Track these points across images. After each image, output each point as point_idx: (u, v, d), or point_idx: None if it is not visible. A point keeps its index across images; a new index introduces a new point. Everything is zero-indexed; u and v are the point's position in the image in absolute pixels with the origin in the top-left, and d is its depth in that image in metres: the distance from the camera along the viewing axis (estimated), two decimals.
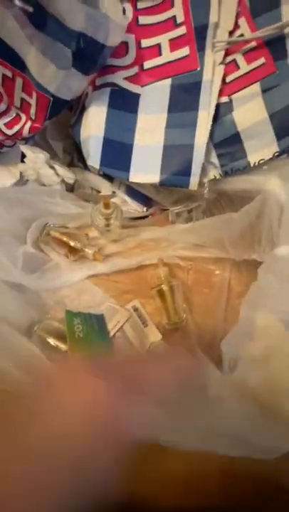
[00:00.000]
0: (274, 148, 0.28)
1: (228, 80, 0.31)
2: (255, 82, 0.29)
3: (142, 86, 0.32)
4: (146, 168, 0.32)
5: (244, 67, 0.30)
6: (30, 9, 0.23)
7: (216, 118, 0.30)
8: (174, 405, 0.18)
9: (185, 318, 0.35)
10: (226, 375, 0.30)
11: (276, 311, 0.24)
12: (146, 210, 0.39)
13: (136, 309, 0.36)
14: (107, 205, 0.30)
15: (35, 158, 0.32)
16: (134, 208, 0.39)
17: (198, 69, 0.30)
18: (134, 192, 0.37)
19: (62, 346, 0.31)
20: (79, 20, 0.24)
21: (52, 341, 0.31)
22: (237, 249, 0.33)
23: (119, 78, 0.32)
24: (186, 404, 0.21)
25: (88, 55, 0.27)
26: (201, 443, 0.24)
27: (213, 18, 0.30)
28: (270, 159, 0.29)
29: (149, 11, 0.32)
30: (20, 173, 0.36)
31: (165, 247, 0.38)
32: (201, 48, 0.30)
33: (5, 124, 0.32)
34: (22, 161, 0.35)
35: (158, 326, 0.35)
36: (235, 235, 0.31)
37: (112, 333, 0.34)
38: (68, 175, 0.35)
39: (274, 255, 0.24)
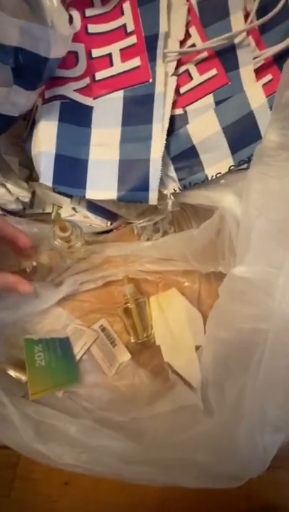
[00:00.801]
0: (229, 161, 0.28)
1: (181, 91, 0.30)
2: (209, 93, 0.29)
3: (94, 98, 0.31)
4: (102, 184, 0.30)
5: (197, 78, 0.29)
6: None
7: (171, 131, 0.29)
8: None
9: (152, 333, 0.34)
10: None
11: (232, 330, 0.24)
12: (111, 223, 0.38)
13: (103, 329, 0.35)
14: (63, 229, 0.28)
15: None
16: (97, 222, 0.37)
17: (151, 81, 0.29)
18: (96, 207, 0.36)
19: (23, 378, 0.29)
20: (13, 35, 0.22)
21: (12, 373, 0.30)
22: (201, 263, 0.33)
23: (69, 90, 0.30)
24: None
25: (30, 70, 0.25)
26: (167, 476, 0.23)
27: (163, 27, 0.29)
28: (227, 173, 0.28)
29: (98, 18, 0.31)
30: None
31: (132, 262, 0.37)
32: (153, 58, 0.29)
33: None
34: None
35: (127, 344, 0.34)
36: (198, 250, 0.31)
37: (78, 356, 0.33)
38: (22, 193, 0.33)
39: (232, 275, 0.23)
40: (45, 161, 0.29)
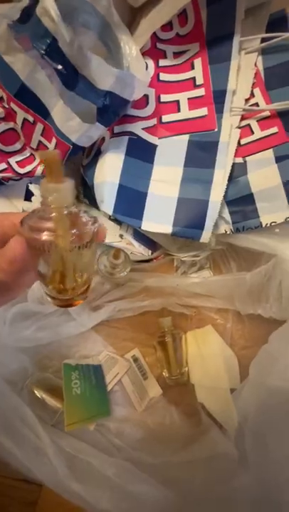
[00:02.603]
0: (287, 213, 0.29)
1: (242, 142, 0.32)
2: (269, 148, 0.31)
3: (160, 138, 0.33)
4: (159, 217, 0.32)
5: (258, 132, 0.32)
6: (62, 69, 0.23)
7: (230, 177, 0.31)
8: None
9: (186, 371, 0.33)
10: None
11: (283, 379, 0.24)
12: (152, 253, 0.39)
13: (136, 359, 0.34)
14: (117, 256, 0.29)
15: None
16: (140, 251, 0.38)
17: (216, 130, 0.31)
18: (141, 236, 0.37)
19: (59, 405, 0.28)
20: (109, 81, 0.24)
21: (47, 399, 0.29)
22: (243, 304, 0.34)
23: (137, 128, 0.32)
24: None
25: (112, 110, 0.27)
26: None
27: (231, 85, 0.31)
28: (283, 223, 0.30)
29: (169, 69, 0.34)
30: (23, 210, 0.35)
31: (170, 294, 0.37)
32: (219, 110, 0.31)
33: (17, 162, 0.31)
34: (27, 199, 0.34)
35: (158, 378, 0.34)
36: (244, 291, 0.31)
37: (110, 387, 0.32)
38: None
39: (287, 324, 0.24)
40: (108, 190, 0.31)
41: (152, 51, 0.34)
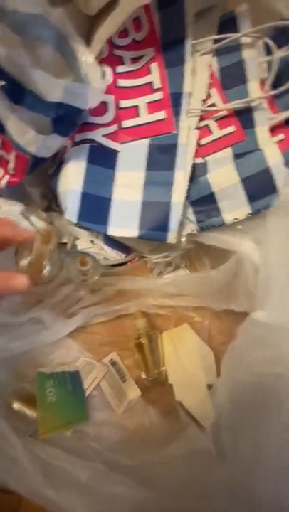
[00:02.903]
0: (247, 209, 0.30)
1: (202, 142, 0.33)
2: (227, 147, 0.32)
3: (121, 143, 0.33)
4: (124, 222, 0.32)
5: (217, 132, 0.33)
6: (5, 85, 0.23)
7: (191, 177, 0.32)
8: None
9: (164, 370, 0.34)
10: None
11: (251, 373, 0.25)
12: (125, 257, 0.39)
13: (114, 363, 0.35)
14: (84, 263, 0.30)
15: (10, 211, 0.31)
16: (112, 255, 0.39)
17: (175, 132, 0.32)
18: (113, 240, 0.37)
19: (33, 414, 0.29)
20: (57, 93, 0.25)
21: (21, 408, 0.29)
22: (215, 301, 0.34)
23: (98, 135, 0.33)
24: None
25: (68, 120, 0.28)
26: None
27: (187, 87, 0.32)
28: (244, 220, 0.30)
29: (127, 75, 0.34)
30: None
31: (145, 296, 0.38)
32: (177, 113, 0.32)
33: None
34: None
35: (137, 381, 0.34)
36: (214, 289, 0.32)
37: (88, 392, 0.33)
38: (45, 226, 0.34)
39: (252, 319, 0.24)
40: (71, 198, 0.31)
41: (110, 58, 0.34)
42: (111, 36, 0.34)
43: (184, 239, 0.34)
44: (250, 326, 0.25)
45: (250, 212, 0.30)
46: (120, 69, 0.34)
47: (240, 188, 0.30)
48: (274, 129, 0.32)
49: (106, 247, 0.38)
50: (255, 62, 0.32)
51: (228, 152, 0.32)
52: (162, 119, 0.32)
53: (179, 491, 0.26)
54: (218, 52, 0.33)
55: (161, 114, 0.33)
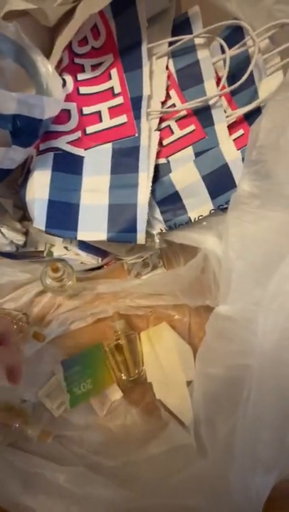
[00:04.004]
0: (210, 206, 0.31)
1: (164, 143, 0.34)
2: (188, 145, 0.33)
3: (85, 149, 0.34)
4: (93, 226, 0.33)
5: (177, 132, 0.33)
6: None
7: (156, 178, 0.32)
8: None
9: (144, 370, 0.34)
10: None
11: (221, 367, 0.25)
12: (101, 260, 0.40)
13: None
14: (55, 270, 0.30)
15: None
16: (88, 260, 0.39)
17: (136, 135, 0.33)
18: (87, 245, 0.38)
19: (11, 422, 0.29)
20: (11, 106, 0.26)
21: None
22: (189, 297, 0.35)
23: (62, 142, 0.33)
24: None
25: (27, 131, 0.28)
26: None
27: (146, 90, 0.33)
28: (208, 216, 0.31)
29: (89, 82, 0.35)
30: None
31: (122, 298, 0.38)
32: (138, 116, 0.33)
33: None
34: None
35: (118, 382, 0.35)
36: (185, 286, 0.33)
37: None
38: (17, 237, 0.35)
39: (215, 313, 0.25)
40: (38, 207, 0.32)
41: (70, 67, 0.35)
42: (71, 45, 0.35)
43: (157, 239, 0.35)
44: (215, 320, 0.25)
45: (213, 208, 0.30)
46: (81, 76, 0.35)
47: (202, 185, 0.31)
48: (234, 125, 0.33)
49: (81, 252, 0.38)
50: (210, 61, 0.33)
51: (189, 151, 0.32)
52: (124, 123, 0.33)
53: (160, 488, 0.27)
54: (174, 54, 0.34)
55: (122, 118, 0.33)
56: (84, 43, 0.35)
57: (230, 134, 0.33)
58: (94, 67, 0.35)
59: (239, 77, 0.32)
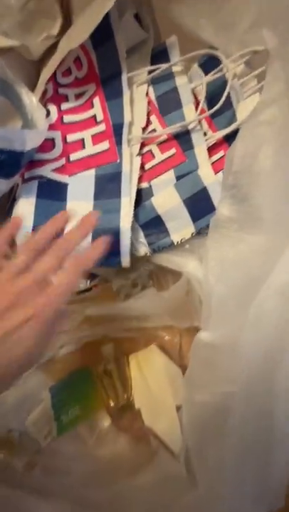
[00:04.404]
0: (191, 229, 0.31)
1: (146, 167, 0.34)
2: (170, 169, 0.33)
3: (69, 176, 0.35)
4: None
5: (159, 156, 0.34)
6: None
7: (139, 202, 0.33)
8: None
9: (132, 395, 0.34)
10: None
11: (206, 394, 0.25)
12: (90, 282, 0.40)
13: None
14: None
15: None
16: None
17: (118, 161, 0.33)
18: None
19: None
20: None
21: None
22: (178, 319, 0.35)
23: (47, 170, 0.34)
24: None
25: (8, 163, 0.29)
26: None
27: (126, 118, 0.34)
28: (190, 238, 0.31)
29: (72, 110, 0.36)
30: None
31: (111, 321, 0.38)
32: (119, 142, 0.34)
33: None
34: None
35: (107, 408, 0.34)
36: (171, 308, 0.33)
37: None
38: None
39: (197, 340, 0.25)
40: (23, 234, 0.32)
41: (55, 97, 0.36)
42: (56, 76, 0.36)
43: (142, 265, 0.35)
44: (198, 347, 0.25)
45: (195, 231, 0.31)
46: (65, 106, 0.36)
47: (183, 208, 0.31)
48: (215, 147, 0.34)
49: None
50: (188, 87, 0.34)
51: (170, 174, 0.33)
52: (106, 150, 0.34)
53: None
54: (154, 82, 0.35)
55: (105, 145, 0.34)
56: (68, 74, 0.37)
57: (211, 155, 0.33)
58: (77, 96, 0.37)
59: (217, 101, 0.33)
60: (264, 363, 0.23)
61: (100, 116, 0.35)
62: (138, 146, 0.34)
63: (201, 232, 0.30)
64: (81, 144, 0.35)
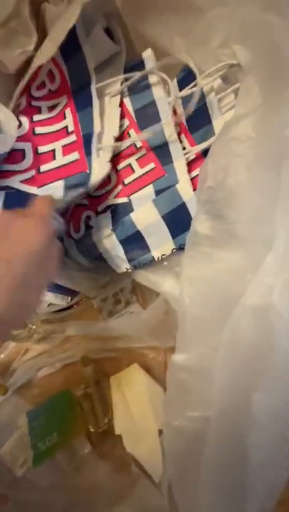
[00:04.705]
0: (171, 245, 0.32)
1: (126, 182, 0.35)
2: (149, 183, 0.34)
3: (38, 187, 0.35)
4: None
5: (138, 170, 0.35)
6: None
7: (118, 217, 0.34)
8: None
9: (113, 419, 0.34)
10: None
11: (182, 418, 0.25)
12: (71, 299, 0.41)
13: None
14: None
15: None
16: (57, 301, 0.40)
17: (87, 171, 0.34)
18: (55, 285, 0.39)
19: None
20: None
21: None
22: (158, 338, 0.35)
23: (15, 182, 0.35)
24: None
25: None
26: None
27: (96, 127, 0.35)
28: (170, 254, 0.32)
29: (44, 122, 0.37)
30: None
31: (93, 340, 0.38)
32: (89, 153, 0.35)
33: None
34: None
35: (86, 433, 0.34)
36: (151, 328, 0.33)
37: None
38: None
39: (172, 363, 0.25)
40: None
41: (27, 109, 0.38)
42: (30, 90, 0.38)
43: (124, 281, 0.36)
44: (173, 369, 0.25)
45: (174, 247, 0.31)
46: (38, 117, 0.37)
47: (162, 224, 0.32)
48: (194, 162, 0.35)
49: (49, 294, 0.39)
50: (166, 101, 0.35)
51: (149, 189, 0.34)
52: (76, 160, 0.35)
53: None
54: (131, 93, 0.36)
55: (75, 155, 0.35)
56: (42, 87, 0.38)
57: (192, 170, 0.34)
58: (50, 108, 0.38)
59: (196, 115, 0.34)
60: (238, 386, 0.23)
61: (71, 127, 0.36)
62: (109, 154, 0.35)
63: (183, 248, 0.31)
64: (52, 155, 0.36)
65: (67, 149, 0.35)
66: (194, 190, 0.33)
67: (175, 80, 0.36)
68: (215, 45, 0.30)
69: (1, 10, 0.33)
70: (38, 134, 0.37)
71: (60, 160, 0.35)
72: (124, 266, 0.35)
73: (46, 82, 0.38)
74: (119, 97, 0.36)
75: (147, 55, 0.36)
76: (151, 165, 0.35)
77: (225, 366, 0.24)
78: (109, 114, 0.36)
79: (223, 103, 0.34)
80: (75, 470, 0.32)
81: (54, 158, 0.36)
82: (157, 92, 0.36)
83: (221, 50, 0.31)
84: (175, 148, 0.34)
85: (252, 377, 0.23)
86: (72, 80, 0.36)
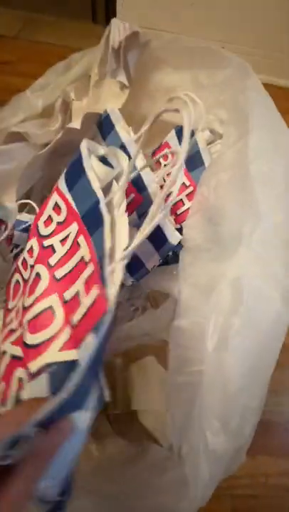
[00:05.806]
0: (157, 256, 0.49)
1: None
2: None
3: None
4: None
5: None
6: None
7: None
8: None
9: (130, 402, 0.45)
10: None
11: (183, 373, 0.37)
12: None
13: None
14: None
15: None
16: None
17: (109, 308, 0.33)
18: None
19: None
20: None
21: None
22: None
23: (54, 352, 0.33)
24: None
25: None
26: None
27: (107, 244, 0.33)
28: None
29: (61, 261, 0.35)
30: None
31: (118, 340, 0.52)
32: (104, 283, 0.33)
33: None
34: None
35: (108, 415, 0.45)
36: (164, 324, 0.47)
37: None
38: None
39: (173, 327, 0.39)
40: None
41: (42, 254, 0.37)
42: (38, 230, 0.40)
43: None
44: (174, 332, 0.39)
45: (159, 258, 0.48)
46: (53, 260, 0.36)
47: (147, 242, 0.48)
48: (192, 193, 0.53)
49: None
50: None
51: (133, 215, 0.48)
52: (96, 297, 0.32)
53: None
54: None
55: (95, 292, 0.32)
56: (49, 223, 0.38)
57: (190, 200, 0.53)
58: (63, 241, 0.37)
59: (194, 159, 0.54)
60: (220, 345, 0.36)
61: (87, 257, 0.35)
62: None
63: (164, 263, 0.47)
64: (77, 298, 0.33)
65: (88, 286, 0.34)
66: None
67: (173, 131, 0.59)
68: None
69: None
70: (59, 280, 0.35)
71: (85, 301, 0.33)
72: (129, 280, 0.52)
73: (52, 216, 0.39)
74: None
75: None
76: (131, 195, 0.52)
77: (212, 329, 0.37)
78: (118, 224, 0.36)
79: (213, 150, 0.54)
80: (96, 445, 0.43)
81: (79, 303, 0.33)
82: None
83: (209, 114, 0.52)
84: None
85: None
86: (79, 205, 0.36)
